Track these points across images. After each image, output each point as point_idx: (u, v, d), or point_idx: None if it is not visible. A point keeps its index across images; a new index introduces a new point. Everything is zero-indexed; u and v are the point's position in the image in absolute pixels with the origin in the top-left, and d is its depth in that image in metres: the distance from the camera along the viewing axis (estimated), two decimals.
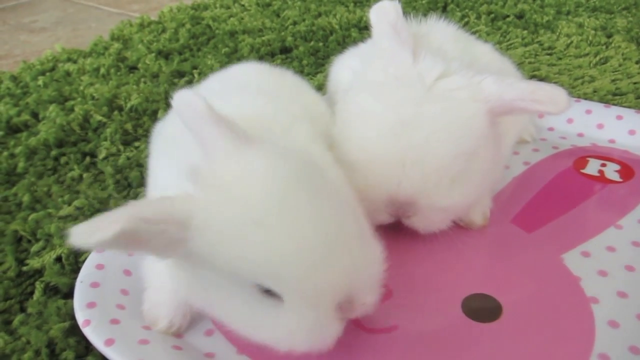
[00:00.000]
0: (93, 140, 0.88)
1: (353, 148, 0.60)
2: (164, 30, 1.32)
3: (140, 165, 0.82)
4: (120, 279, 0.59)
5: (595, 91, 0.95)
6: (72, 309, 0.57)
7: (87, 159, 0.85)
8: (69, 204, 0.73)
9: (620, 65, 1.05)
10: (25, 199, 0.74)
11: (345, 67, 0.77)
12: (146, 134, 0.91)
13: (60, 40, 1.45)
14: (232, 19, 1.38)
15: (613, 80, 0.99)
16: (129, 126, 0.92)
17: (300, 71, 1.08)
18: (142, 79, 1.07)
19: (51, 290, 0.61)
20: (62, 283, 0.61)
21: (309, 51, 1.17)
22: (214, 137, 0.44)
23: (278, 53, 1.18)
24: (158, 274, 0.54)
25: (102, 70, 1.11)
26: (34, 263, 0.64)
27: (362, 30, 1.28)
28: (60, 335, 0.54)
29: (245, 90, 0.64)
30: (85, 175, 0.81)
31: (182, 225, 0.40)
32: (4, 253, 0.66)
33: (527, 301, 0.55)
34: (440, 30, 0.70)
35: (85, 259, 0.63)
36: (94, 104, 0.97)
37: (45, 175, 0.81)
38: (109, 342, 0.50)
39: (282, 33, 1.25)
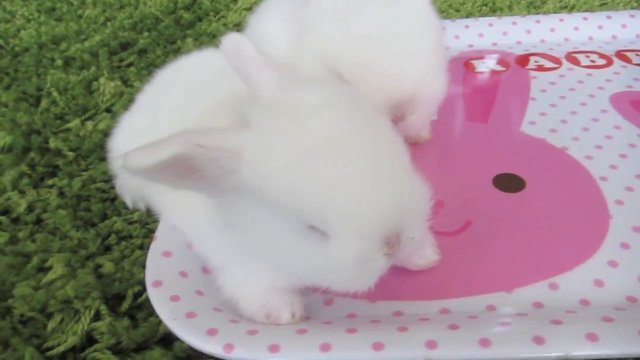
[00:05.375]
0: None
1: (350, 67, 0.63)
2: None
3: (80, 197, 0.69)
4: (203, 299, 0.53)
5: None
6: (179, 351, 0.50)
7: (3, 218, 0.67)
8: (41, 269, 0.59)
9: None
10: None
11: (271, 30, 0.76)
12: (54, 170, 0.75)
13: None
14: (22, 32, 1.16)
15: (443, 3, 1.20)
16: (24, 167, 0.74)
17: (152, 63, 1.00)
18: None
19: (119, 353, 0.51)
20: (137, 335, 0.51)
21: (155, 41, 1.09)
22: (264, 77, 0.45)
23: (119, 51, 1.06)
24: (246, 277, 0.51)
25: None
26: (67, 338, 0.51)
27: (196, 10, 1.22)
28: None
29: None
30: (21, 234, 0.64)
31: (235, 155, 0.41)
32: (13, 350, 0.51)
33: (531, 164, 0.69)
34: None
35: (128, 307, 0.54)
36: None
37: None
38: (275, 349, 0.46)
39: (106, 32, 1.12)
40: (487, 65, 0.92)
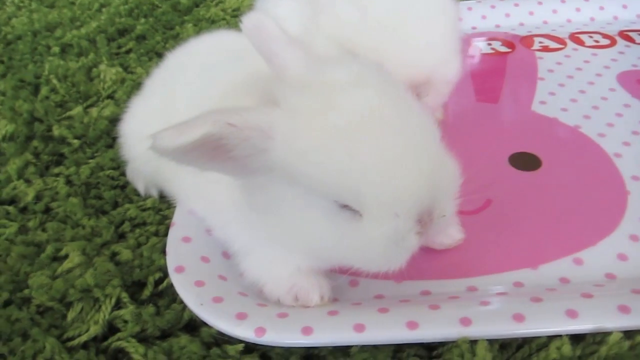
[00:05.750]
0: None
1: (367, 49, 0.61)
2: None
3: (89, 185, 0.68)
4: (227, 283, 0.52)
5: None
6: (206, 336, 0.49)
7: (10, 208, 0.65)
8: (55, 258, 0.57)
9: None
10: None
11: (281, 12, 0.75)
12: (59, 159, 0.74)
13: None
14: (14, 19, 1.13)
15: None
16: (28, 156, 0.72)
17: (152, 49, 0.98)
18: None
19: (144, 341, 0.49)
20: (163, 322, 0.50)
21: (153, 27, 1.06)
22: (290, 56, 0.45)
23: (117, 37, 1.04)
24: (272, 260, 0.51)
25: None
26: (88, 328, 0.50)
27: None
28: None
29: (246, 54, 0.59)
30: (30, 224, 0.62)
31: (266, 134, 0.40)
32: (33, 341, 0.49)
33: (545, 143, 0.69)
34: None
35: (150, 294, 0.53)
36: None
37: None
38: (308, 331, 0.45)
39: (102, 18, 1.09)
40: (492, 47, 0.92)
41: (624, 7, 1.00)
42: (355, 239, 0.42)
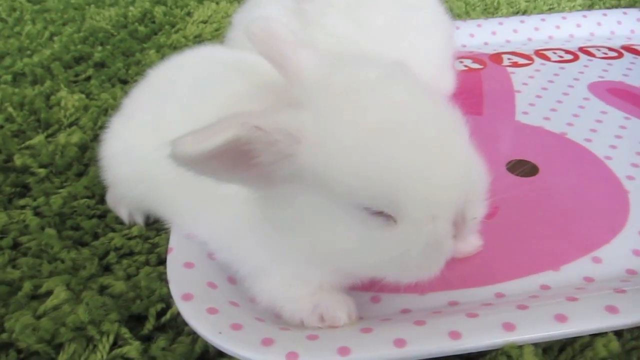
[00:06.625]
0: None
1: None
2: None
3: (63, 216, 0.61)
4: (241, 309, 0.47)
5: None
6: None
7: None
8: (34, 297, 0.50)
9: None
10: None
11: None
12: (23, 190, 0.66)
13: None
14: None
15: None
16: None
17: (114, 76, 0.93)
18: None
19: None
20: (176, 358, 0.44)
21: (112, 54, 1.01)
22: (305, 58, 0.43)
23: (74, 65, 0.97)
24: (291, 279, 0.47)
25: None
26: None
27: (148, 24, 1.15)
28: None
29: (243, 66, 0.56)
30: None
31: (294, 138, 0.37)
32: None
33: (538, 149, 0.69)
34: None
35: (152, 328, 0.47)
36: None
37: None
38: (345, 351, 0.41)
39: (55, 46, 1.02)
40: (465, 64, 0.94)
41: (578, 25, 1.05)
42: (390, 246, 0.39)
